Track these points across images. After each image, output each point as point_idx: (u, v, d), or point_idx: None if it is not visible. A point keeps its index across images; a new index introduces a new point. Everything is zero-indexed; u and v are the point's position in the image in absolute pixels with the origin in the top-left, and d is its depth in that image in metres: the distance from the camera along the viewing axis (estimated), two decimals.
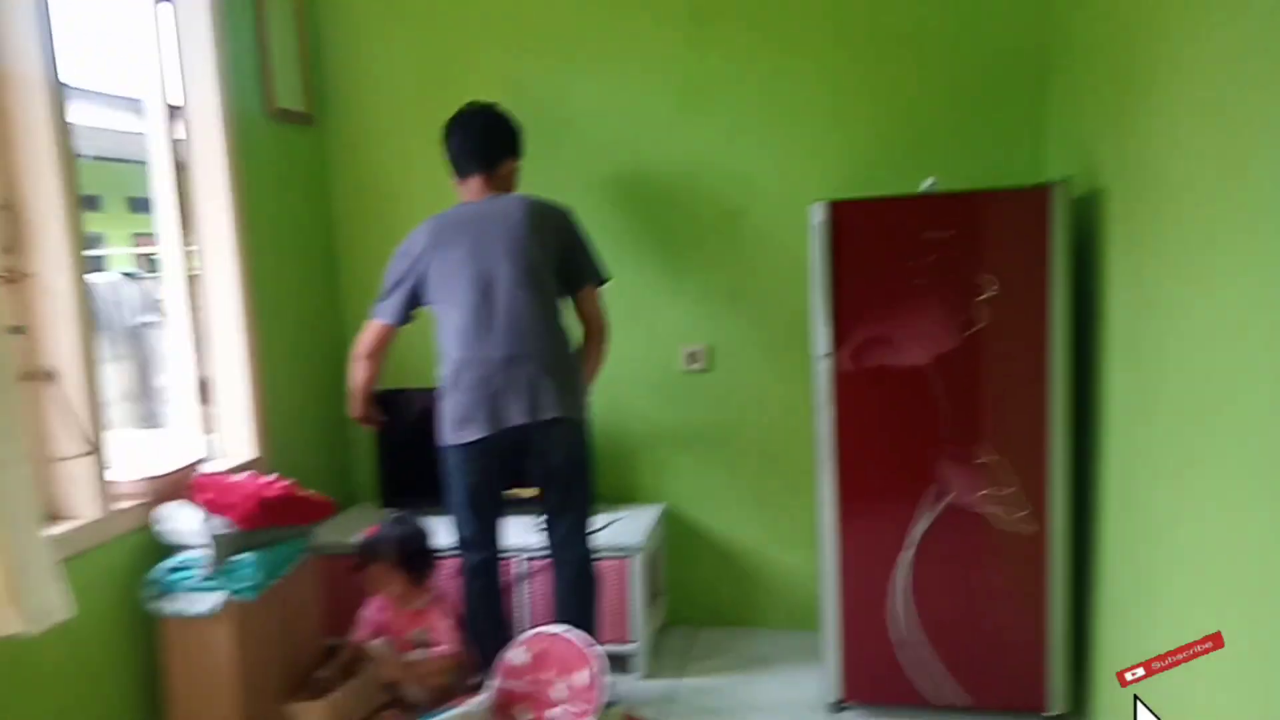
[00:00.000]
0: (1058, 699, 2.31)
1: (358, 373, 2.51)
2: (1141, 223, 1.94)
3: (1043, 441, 2.24)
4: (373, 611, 2.57)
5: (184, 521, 2.24)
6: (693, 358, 2.98)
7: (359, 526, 2.69)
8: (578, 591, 2.44)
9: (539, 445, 2.34)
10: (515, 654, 2.27)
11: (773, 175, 2.87)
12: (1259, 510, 1.41)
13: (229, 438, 2.74)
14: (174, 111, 2.60)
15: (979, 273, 2.24)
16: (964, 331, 2.26)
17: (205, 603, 2.17)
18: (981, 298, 2.24)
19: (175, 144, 2.60)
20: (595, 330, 2.46)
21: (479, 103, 2.48)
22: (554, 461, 2.36)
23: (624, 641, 2.71)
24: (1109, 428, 2.16)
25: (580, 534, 2.44)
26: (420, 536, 2.52)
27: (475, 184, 2.44)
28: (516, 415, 2.28)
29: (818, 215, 2.30)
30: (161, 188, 2.60)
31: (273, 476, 2.40)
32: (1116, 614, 2.15)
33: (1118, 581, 2.13)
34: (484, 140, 2.45)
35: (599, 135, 2.96)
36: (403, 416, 2.85)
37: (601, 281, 2.46)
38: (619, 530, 2.77)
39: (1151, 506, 1.90)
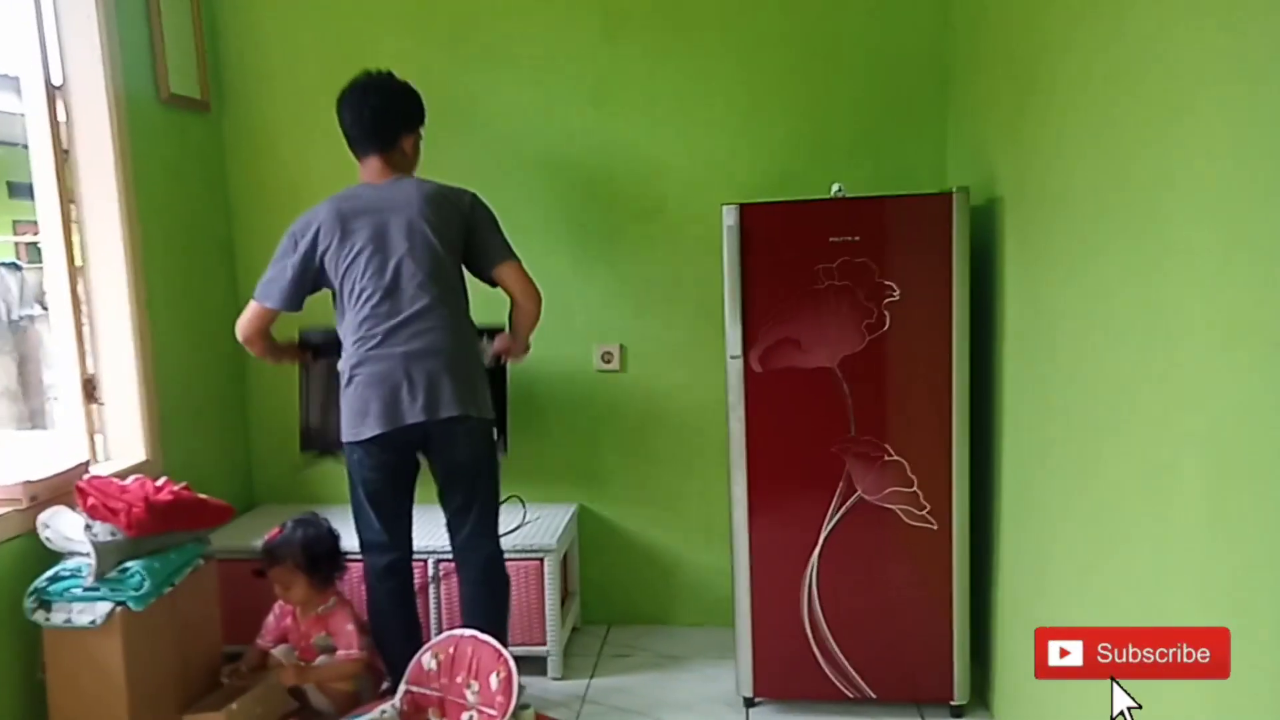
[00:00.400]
0: (961, 690, 2.39)
1: (253, 352, 2.42)
2: (1034, 231, 2.02)
3: (945, 440, 2.32)
4: (277, 617, 2.48)
5: (66, 528, 2.12)
6: (606, 357, 2.97)
7: (262, 529, 2.59)
8: (484, 593, 2.39)
9: (439, 443, 2.29)
10: (425, 659, 2.22)
11: (686, 176, 2.88)
12: (1144, 507, 1.49)
13: (118, 439, 2.60)
14: (56, 92, 2.45)
15: (884, 276, 2.29)
16: (870, 334, 2.31)
17: (90, 613, 2.06)
18: (887, 301, 2.30)
19: (58, 127, 2.45)
20: (524, 304, 2.35)
21: (373, 74, 2.34)
22: (455, 459, 2.31)
23: (537, 643, 2.69)
24: (1005, 428, 2.25)
25: (485, 534, 2.38)
26: (326, 538, 2.45)
27: (374, 165, 2.33)
28: (414, 412, 2.21)
29: (729, 217, 2.32)
30: (42, 173, 2.45)
31: (162, 480, 2.29)
32: (1013, 608, 2.24)
33: (1014, 576, 2.22)
34: (378, 119, 2.32)
35: (510, 129, 2.91)
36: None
37: (518, 259, 2.34)
38: (532, 531, 2.75)
39: (1045, 504, 1.99)
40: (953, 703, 2.40)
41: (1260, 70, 1.14)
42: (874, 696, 2.42)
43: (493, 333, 2.47)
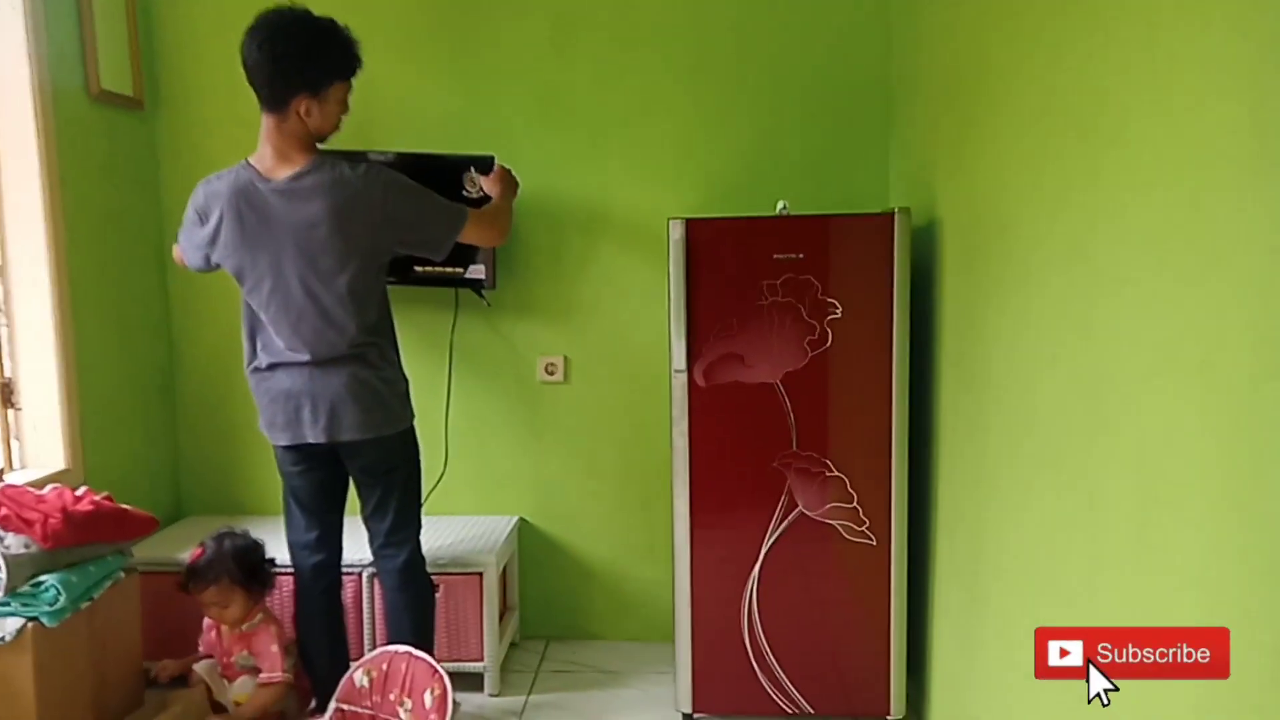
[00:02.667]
0: (898, 705, 2.41)
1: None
2: (970, 254, 2.07)
3: (885, 457, 2.34)
4: (206, 629, 2.39)
5: None
6: (550, 369, 2.95)
7: (188, 540, 2.50)
8: (403, 599, 2.33)
9: (346, 453, 2.24)
10: (357, 675, 2.17)
11: (633, 189, 2.88)
12: (1074, 526, 1.52)
13: (36, 446, 2.49)
14: None
15: (827, 294, 2.32)
16: (813, 350, 2.33)
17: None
18: (829, 318, 2.32)
19: None
20: (501, 239, 2.39)
21: (284, 10, 1.99)
22: (365, 463, 2.25)
23: (474, 659, 2.64)
24: (942, 445, 2.28)
25: (400, 540, 2.32)
26: (251, 548, 2.37)
27: (266, 127, 2.05)
28: (315, 433, 2.15)
29: (675, 231, 2.32)
30: None
31: (82, 489, 2.20)
32: (948, 623, 2.27)
33: (949, 592, 2.25)
34: (267, 71, 1.96)
35: (454, 137, 2.87)
36: None
37: (466, 215, 2.18)
38: (471, 543, 2.70)
39: (980, 522, 2.02)
40: (889, 717, 2.42)
41: (1185, 106, 1.18)
42: (811, 711, 2.43)
43: (479, 163, 2.52)
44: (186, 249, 2.27)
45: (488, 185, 2.49)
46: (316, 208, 2.05)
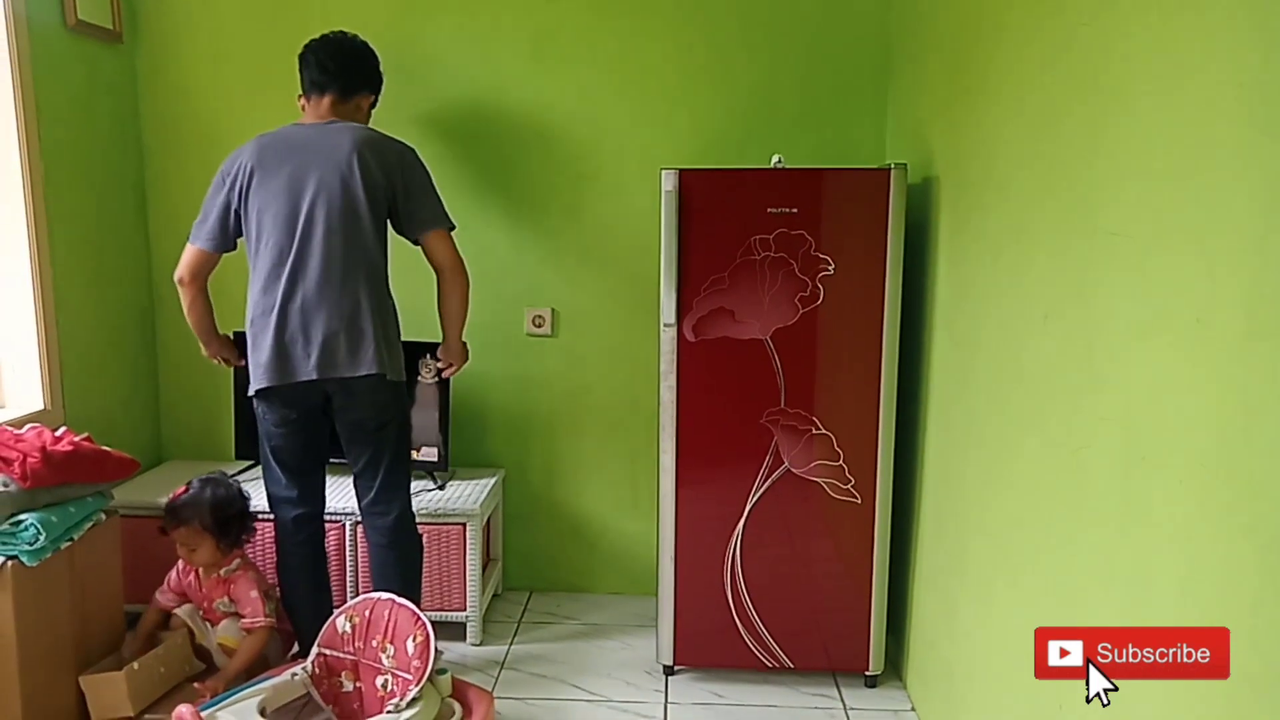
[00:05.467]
0: (876, 661, 2.44)
1: (183, 300, 2.29)
2: (967, 212, 2.04)
3: (873, 415, 2.34)
4: (179, 573, 2.38)
5: None
6: (538, 321, 2.92)
7: (170, 485, 2.48)
8: (391, 556, 2.33)
9: (338, 402, 2.22)
10: (339, 621, 2.17)
11: (625, 138, 2.82)
12: (1059, 487, 1.52)
13: (14, 386, 2.46)
14: None
15: (820, 250, 2.29)
16: (804, 306, 2.31)
17: None
18: (821, 274, 2.30)
19: None
20: (449, 277, 2.28)
21: (346, 32, 2.36)
22: (355, 419, 2.24)
23: (456, 609, 2.65)
24: (931, 405, 2.28)
25: (390, 498, 2.31)
26: (236, 499, 2.35)
27: (324, 105, 2.28)
28: (307, 369, 2.13)
29: (668, 182, 2.28)
30: None
31: (62, 430, 2.17)
32: (930, 582, 2.29)
33: (933, 551, 2.27)
34: (348, 67, 2.30)
35: (445, 82, 2.81)
36: None
37: (450, 226, 2.28)
38: (455, 496, 2.70)
39: (963, 481, 2.02)
40: (867, 673, 2.45)
41: (1189, 62, 1.15)
42: (791, 666, 2.46)
43: (434, 349, 2.47)
44: (198, 233, 2.24)
45: (441, 358, 2.46)
46: (345, 138, 2.19)
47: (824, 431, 2.35)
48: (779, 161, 2.39)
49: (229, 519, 2.32)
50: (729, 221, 2.30)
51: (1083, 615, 1.40)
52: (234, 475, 2.54)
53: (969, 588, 1.96)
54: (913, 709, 2.36)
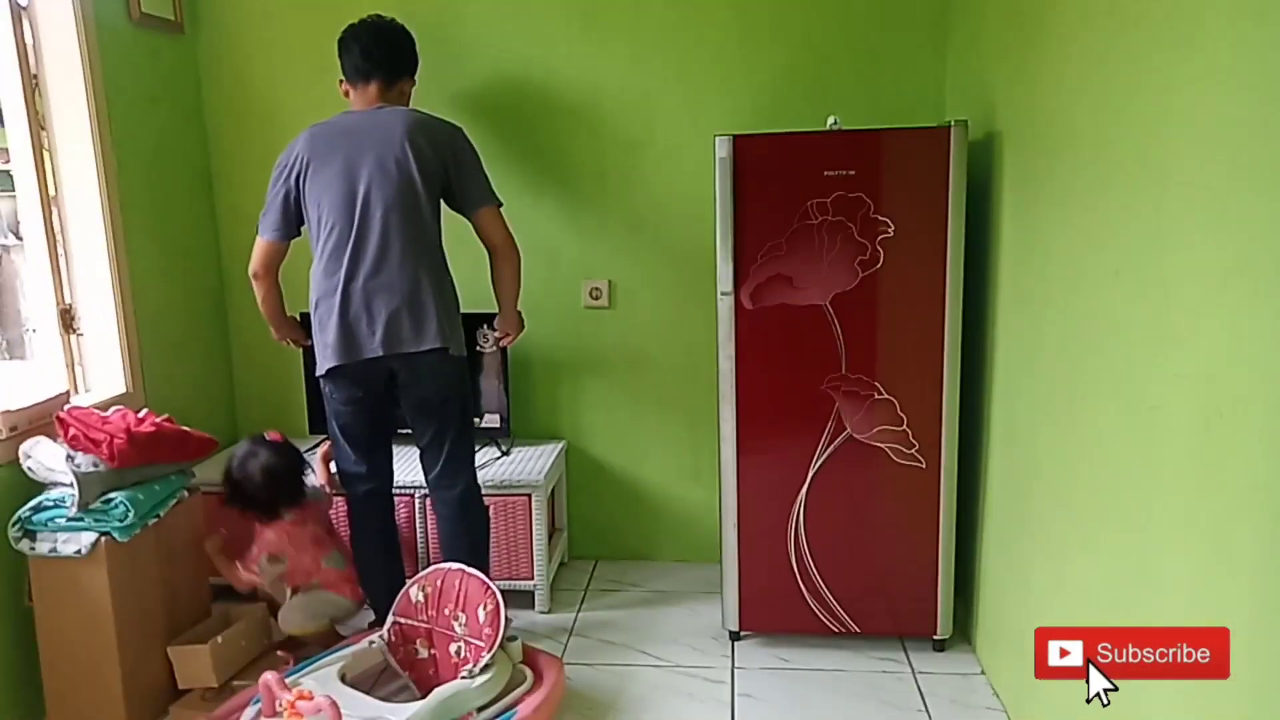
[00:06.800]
0: (944, 625, 2.42)
1: (257, 293, 2.39)
2: (1033, 168, 1.98)
3: (936, 379, 2.30)
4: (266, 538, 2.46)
5: (48, 458, 2.09)
6: (595, 293, 2.93)
7: None
8: (459, 529, 2.39)
9: (403, 378, 2.27)
10: (412, 591, 2.23)
11: (677, 106, 2.80)
12: (1133, 448, 1.48)
13: (97, 370, 2.57)
14: (22, 12, 2.35)
15: (879, 212, 2.25)
16: (863, 270, 2.28)
17: (75, 543, 2.05)
18: (880, 237, 2.26)
19: (25, 50, 2.35)
20: (501, 253, 2.33)
21: (384, 17, 2.37)
22: (420, 395, 2.29)
23: (524, 577, 2.70)
24: (997, 368, 2.23)
25: (456, 470, 2.37)
26: (278, 467, 2.37)
27: (371, 91, 2.32)
28: (372, 346, 2.19)
29: (722, 149, 2.26)
30: (11, 99, 2.36)
31: (144, 412, 2.26)
32: (998, 546, 2.26)
33: (1001, 515, 2.23)
34: (392, 53, 2.34)
35: (496, 58, 2.82)
36: None
37: (498, 203, 2.32)
38: (519, 467, 2.74)
39: (1033, 443, 1.98)
40: (935, 637, 2.44)
41: (1263, 3, 1.09)
42: (858, 630, 2.45)
43: (492, 320, 2.53)
44: (264, 225, 2.31)
45: (498, 328, 2.52)
46: (396, 120, 2.24)
47: (886, 397, 2.33)
48: (835, 122, 2.35)
49: (274, 485, 2.35)
50: (785, 186, 2.27)
51: (1161, 580, 1.37)
52: (305, 448, 2.61)
53: (1041, 551, 1.93)
54: (982, 672, 2.34)
